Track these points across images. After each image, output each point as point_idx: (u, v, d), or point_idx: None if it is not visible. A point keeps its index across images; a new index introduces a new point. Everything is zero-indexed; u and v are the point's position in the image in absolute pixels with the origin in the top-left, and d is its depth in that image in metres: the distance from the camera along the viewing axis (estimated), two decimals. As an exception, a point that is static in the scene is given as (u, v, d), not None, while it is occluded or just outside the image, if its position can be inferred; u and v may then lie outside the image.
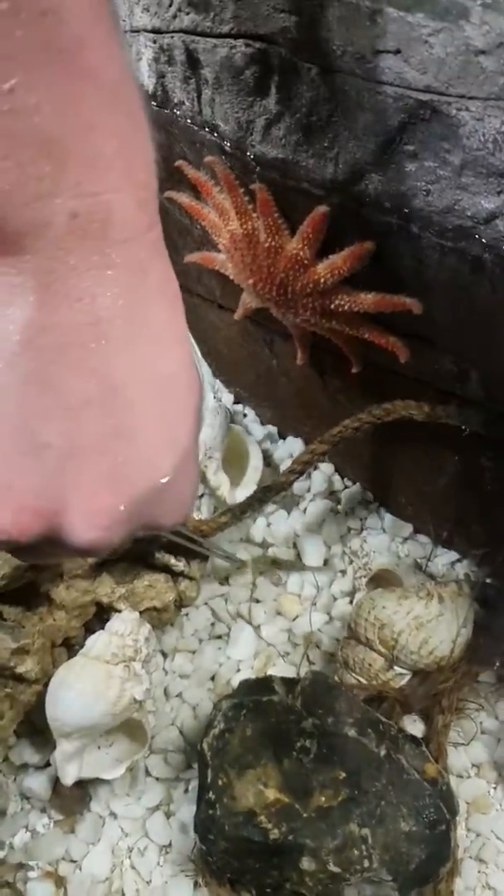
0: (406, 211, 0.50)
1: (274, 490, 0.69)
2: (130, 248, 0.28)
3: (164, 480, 0.31)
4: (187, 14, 0.53)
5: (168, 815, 0.63)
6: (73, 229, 0.26)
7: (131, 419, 0.30)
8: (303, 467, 0.68)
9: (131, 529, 0.32)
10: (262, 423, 0.83)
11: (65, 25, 0.25)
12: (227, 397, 0.84)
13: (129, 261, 0.28)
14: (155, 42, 0.57)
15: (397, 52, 0.45)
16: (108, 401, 0.29)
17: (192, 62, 0.55)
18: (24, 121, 0.25)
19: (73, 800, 0.63)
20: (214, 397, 0.77)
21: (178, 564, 0.67)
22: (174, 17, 0.54)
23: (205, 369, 0.85)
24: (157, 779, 0.64)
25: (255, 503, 0.69)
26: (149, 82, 0.60)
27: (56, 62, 0.25)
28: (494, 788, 0.62)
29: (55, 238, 0.26)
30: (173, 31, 0.55)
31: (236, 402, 0.84)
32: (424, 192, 0.48)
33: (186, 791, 0.63)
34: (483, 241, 0.48)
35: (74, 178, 0.26)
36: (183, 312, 0.32)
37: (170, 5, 0.54)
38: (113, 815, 0.63)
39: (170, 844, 0.61)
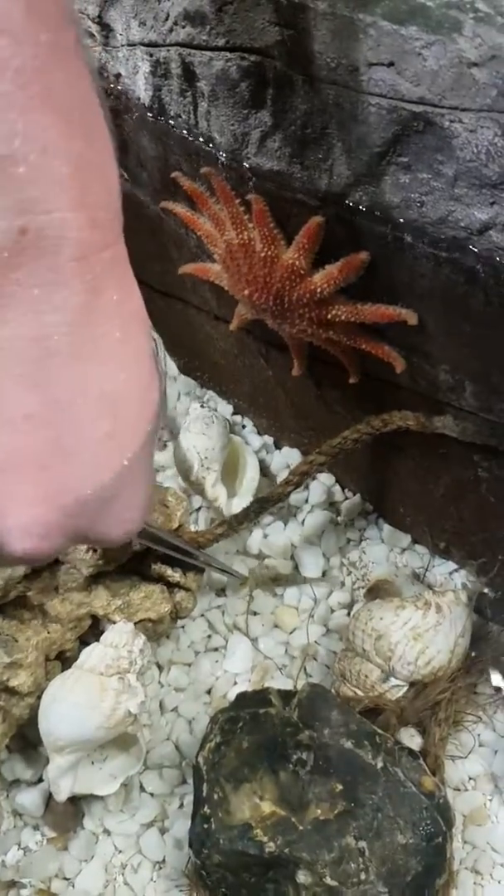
0: (400, 222, 0.50)
1: (271, 501, 0.69)
2: (83, 266, 0.28)
3: (107, 495, 0.32)
4: (183, 27, 0.54)
5: (162, 831, 0.62)
6: (23, 245, 0.27)
7: (74, 434, 0.30)
8: (300, 478, 0.68)
9: (69, 540, 0.32)
10: (259, 434, 0.83)
11: (20, 47, 0.25)
12: (226, 408, 0.84)
13: (81, 279, 0.28)
14: (151, 55, 0.58)
15: (391, 64, 0.45)
16: (50, 415, 0.29)
17: (188, 75, 0.55)
18: None
19: (66, 816, 0.63)
20: (202, 405, 0.77)
21: (175, 575, 0.67)
22: (170, 30, 0.55)
23: (174, 370, 0.85)
24: (152, 794, 0.63)
25: (252, 514, 0.69)
26: (145, 95, 0.60)
27: (10, 83, 0.25)
28: (491, 800, 0.62)
29: (2, 252, 0.27)
30: (169, 45, 0.56)
31: (234, 412, 0.84)
32: (418, 204, 0.49)
33: (181, 806, 0.63)
34: (476, 251, 0.48)
35: (26, 194, 0.26)
36: (143, 330, 0.32)
37: (166, 19, 0.55)
38: (106, 831, 0.62)
39: (164, 860, 0.60)
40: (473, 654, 0.63)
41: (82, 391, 0.30)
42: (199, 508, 0.78)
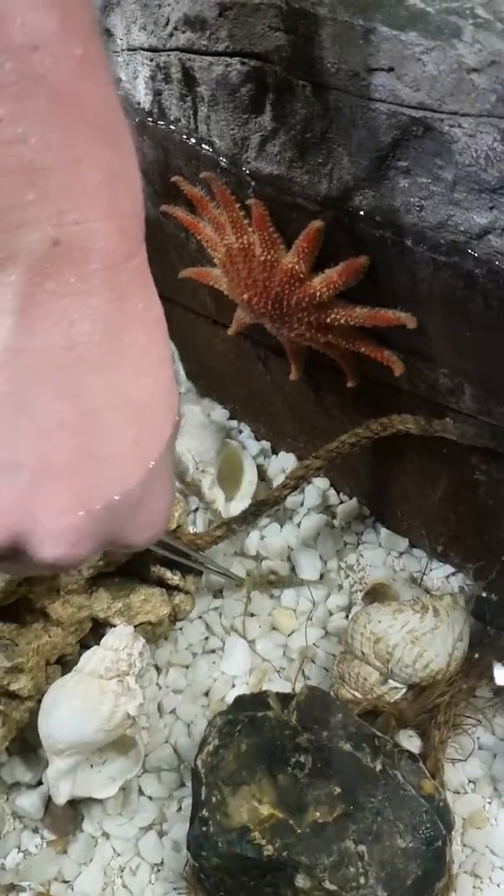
0: (400, 226, 0.50)
1: (268, 504, 0.69)
2: (111, 275, 0.29)
3: (133, 501, 0.32)
4: (183, 33, 0.54)
5: (161, 834, 0.62)
6: (55, 256, 0.27)
7: (103, 441, 0.31)
8: (297, 482, 0.68)
9: (99, 546, 0.32)
10: (257, 439, 0.83)
11: (55, 61, 0.25)
12: (222, 413, 0.84)
13: (109, 287, 0.29)
14: (152, 60, 0.58)
15: (390, 69, 0.46)
16: (80, 423, 0.30)
17: (189, 80, 0.56)
18: (9, 150, 0.26)
19: (65, 819, 0.63)
20: (200, 410, 0.77)
21: (174, 578, 0.67)
22: (171, 35, 0.55)
23: (181, 378, 0.85)
24: (151, 797, 0.63)
25: (250, 516, 0.69)
26: (145, 100, 0.60)
27: (45, 95, 0.26)
28: (490, 803, 0.62)
29: (35, 263, 0.27)
30: (170, 50, 0.56)
31: (231, 417, 0.85)
32: (418, 208, 0.49)
33: (180, 809, 0.63)
34: (476, 255, 0.48)
35: (58, 206, 0.27)
36: (165, 337, 0.33)
37: (166, 24, 0.55)
38: (105, 834, 0.62)
39: (162, 863, 0.60)
40: (472, 656, 0.63)
41: (111, 398, 0.30)
42: (196, 510, 0.78)
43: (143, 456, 0.32)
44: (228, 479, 0.77)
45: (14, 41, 0.25)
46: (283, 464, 0.80)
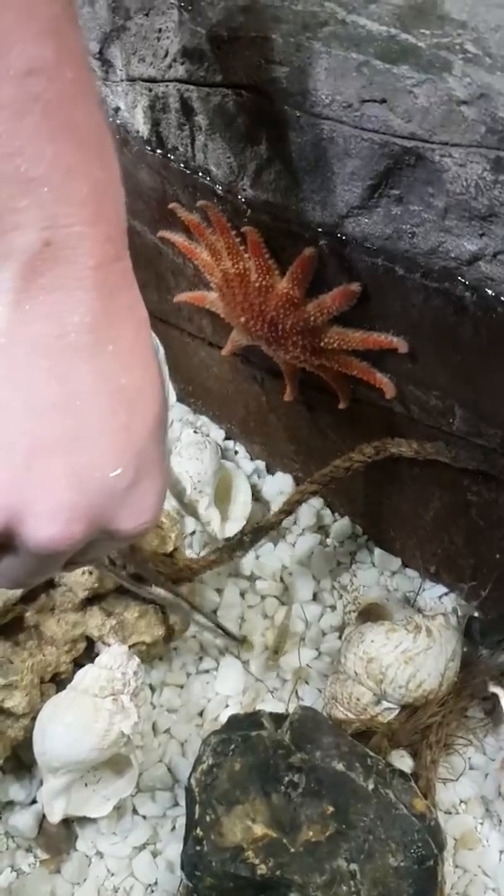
0: (392, 252, 0.51)
1: (264, 529, 0.70)
2: (99, 273, 0.31)
3: (125, 484, 0.33)
4: (182, 64, 0.55)
5: (155, 853, 0.62)
6: (46, 255, 0.30)
7: (94, 423, 0.32)
8: (293, 507, 0.69)
9: (91, 529, 0.33)
10: (252, 459, 0.84)
11: (50, 84, 0.28)
12: (218, 433, 0.85)
13: (97, 285, 0.31)
14: (150, 90, 0.59)
15: (383, 101, 0.47)
16: (71, 405, 0.32)
17: (186, 110, 0.57)
18: (6, 162, 0.28)
19: (59, 838, 0.63)
20: (195, 431, 0.78)
21: (168, 598, 0.67)
22: (169, 66, 0.57)
23: (172, 398, 0.85)
24: (145, 817, 0.63)
25: (246, 542, 0.69)
26: (144, 128, 0.62)
27: (40, 114, 0.28)
28: (481, 824, 0.62)
29: (28, 262, 0.30)
30: (168, 80, 0.57)
31: (227, 437, 0.85)
32: (410, 235, 0.50)
33: (173, 829, 0.63)
34: (466, 282, 0.49)
35: (50, 212, 0.30)
36: (150, 336, 0.35)
37: (165, 56, 0.56)
38: (99, 854, 0.62)
39: (156, 883, 0.60)
40: (464, 676, 0.64)
41: (101, 383, 0.32)
42: (194, 532, 0.79)
43: (133, 439, 0.33)
44: (222, 499, 0.78)
45: (13, 67, 0.28)
46: (277, 483, 0.81)
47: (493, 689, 0.62)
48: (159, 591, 0.64)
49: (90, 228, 0.31)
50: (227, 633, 0.69)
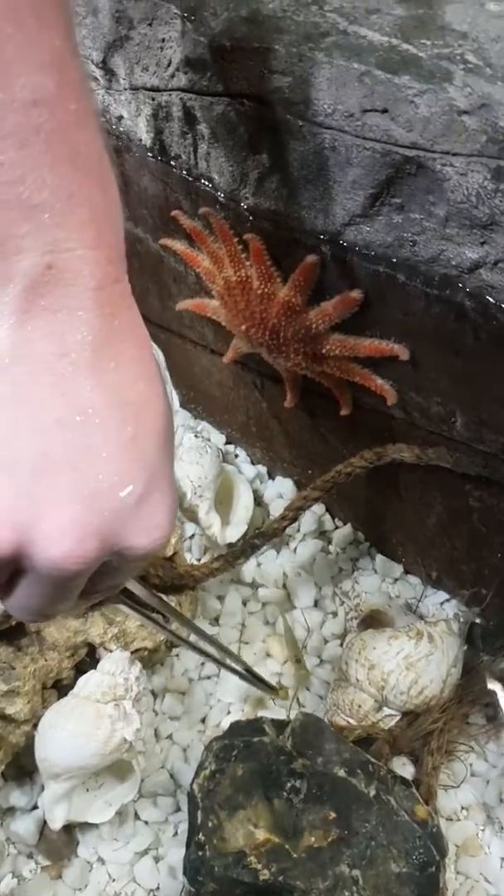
0: (393, 260, 0.52)
1: (266, 537, 0.70)
2: (100, 294, 0.32)
3: (134, 499, 0.33)
4: (185, 73, 0.56)
5: (157, 859, 0.62)
6: (48, 278, 0.31)
7: (100, 438, 0.32)
8: (295, 513, 0.69)
9: (102, 548, 0.33)
10: (253, 464, 0.84)
11: (52, 114, 0.29)
12: (219, 438, 0.85)
13: (98, 304, 0.32)
14: (154, 99, 0.60)
15: (384, 111, 0.48)
16: (77, 421, 0.32)
17: (189, 118, 0.57)
18: (9, 189, 0.29)
19: (60, 844, 0.63)
20: (196, 435, 0.78)
21: (171, 603, 0.67)
22: (172, 76, 0.57)
23: (175, 405, 0.86)
24: (147, 822, 0.63)
25: (248, 549, 0.69)
26: (147, 137, 0.62)
27: (43, 144, 0.29)
28: (483, 831, 0.62)
29: (30, 284, 0.31)
30: (171, 90, 0.58)
31: (228, 442, 0.86)
32: (411, 243, 0.51)
33: (175, 834, 0.63)
34: (467, 289, 0.50)
35: (52, 237, 0.30)
36: (152, 353, 0.35)
37: (168, 65, 0.57)
38: (101, 859, 0.62)
39: (158, 888, 0.60)
40: (466, 683, 0.64)
41: (106, 399, 0.32)
42: (193, 536, 0.79)
43: (142, 452, 0.33)
44: (224, 503, 0.78)
45: (17, 98, 0.29)
46: (279, 488, 0.81)
47: (492, 685, 0.62)
48: (187, 640, 0.59)
49: (91, 252, 0.31)
50: (262, 683, 0.63)
